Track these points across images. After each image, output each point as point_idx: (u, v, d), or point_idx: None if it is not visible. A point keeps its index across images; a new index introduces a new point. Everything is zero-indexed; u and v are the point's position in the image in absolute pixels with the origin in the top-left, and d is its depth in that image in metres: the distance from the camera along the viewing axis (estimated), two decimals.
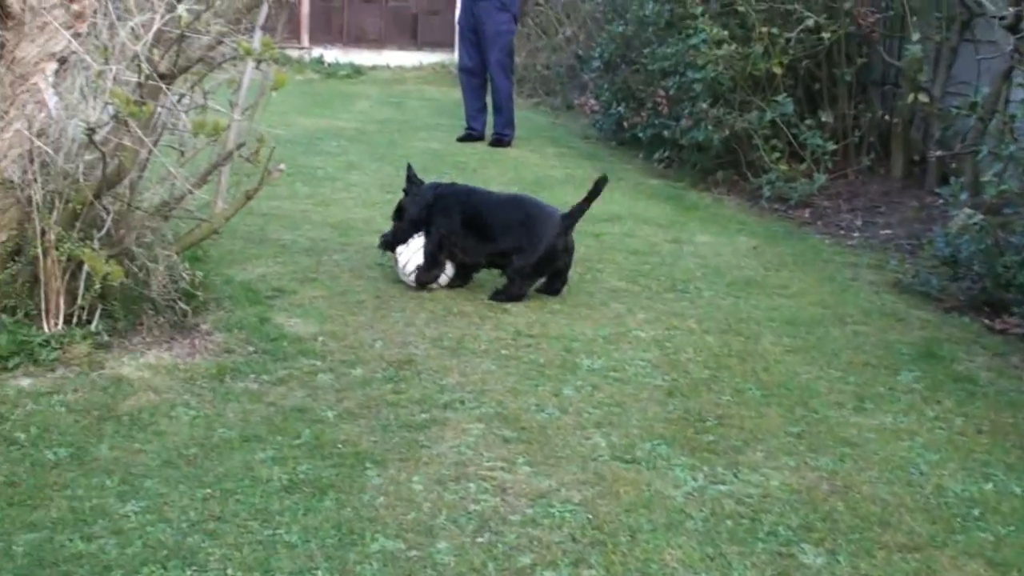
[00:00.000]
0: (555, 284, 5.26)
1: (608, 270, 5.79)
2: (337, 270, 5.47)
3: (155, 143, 4.38)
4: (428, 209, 5.25)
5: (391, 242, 5.36)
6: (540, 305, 5.09)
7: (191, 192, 4.48)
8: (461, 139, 10.08)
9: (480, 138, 10.12)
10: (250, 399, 3.85)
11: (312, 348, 4.36)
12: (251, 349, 4.31)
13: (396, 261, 5.32)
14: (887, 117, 8.10)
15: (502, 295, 5.14)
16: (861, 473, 3.51)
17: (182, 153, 4.61)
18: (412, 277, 5.22)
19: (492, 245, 5.18)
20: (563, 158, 9.30)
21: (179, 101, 4.46)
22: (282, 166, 4.50)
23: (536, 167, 8.74)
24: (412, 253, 5.22)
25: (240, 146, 4.41)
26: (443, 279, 5.28)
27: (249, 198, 4.60)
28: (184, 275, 4.49)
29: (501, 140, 9.92)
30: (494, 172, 8.39)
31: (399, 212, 5.39)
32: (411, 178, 5.39)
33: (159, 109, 4.26)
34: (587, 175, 8.10)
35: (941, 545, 3.09)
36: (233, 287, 5.00)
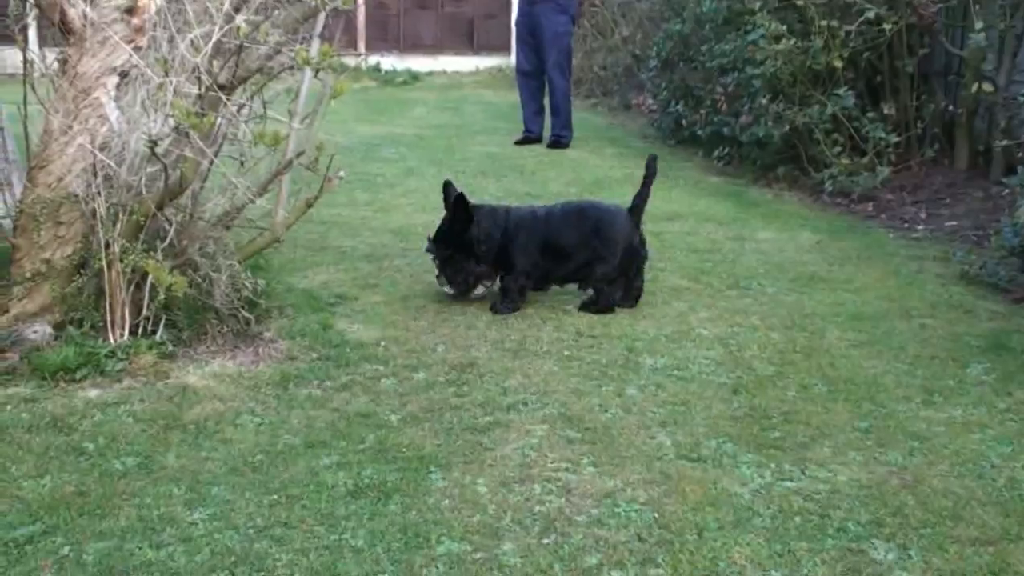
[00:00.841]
0: (634, 286, 5.07)
1: (670, 268, 5.76)
2: (398, 276, 5.50)
3: (216, 154, 4.42)
4: (502, 250, 5.00)
5: (467, 290, 5.11)
6: None
7: (252, 202, 4.52)
8: (519, 142, 10.08)
9: (538, 140, 10.11)
10: (314, 405, 3.87)
11: (375, 353, 4.38)
12: (314, 355, 4.34)
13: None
14: (950, 107, 7.99)
15: (593, 306, 5.00)
16: (931, 467, 3.46)
17: (242, 163, 4.64)
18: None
19: (568, 264, 5.02)
20: (622, 158, 9.28)
21: (239, 111, 4.50)
22: (342, 173, 4.53)
23: (595, 168, 8.72)
24: None
25: (300, 154, 4.43)
26: (480, 290, 5.16)
27: (309, 206, 4.63)
28: (247, 284, 4.52)
29: (559, 142, 9.91)
30: (552, 174, 8.38)
31: (466, 246, 5.00)
32: (463, 205, 4.98)
33: (219, 120, 4.30)
34: None
35: (1015, 538, 3.03)
36: (295, 295, 5.04)
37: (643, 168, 5.08)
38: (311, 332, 4.56)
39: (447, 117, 11.89)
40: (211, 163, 4.39)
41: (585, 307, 5.02)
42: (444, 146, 9.75)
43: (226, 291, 4.40)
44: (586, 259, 4.99)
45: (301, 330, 4.58)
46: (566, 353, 4.44)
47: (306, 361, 4.28)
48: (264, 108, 4.57)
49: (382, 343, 4.50)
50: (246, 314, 4.46)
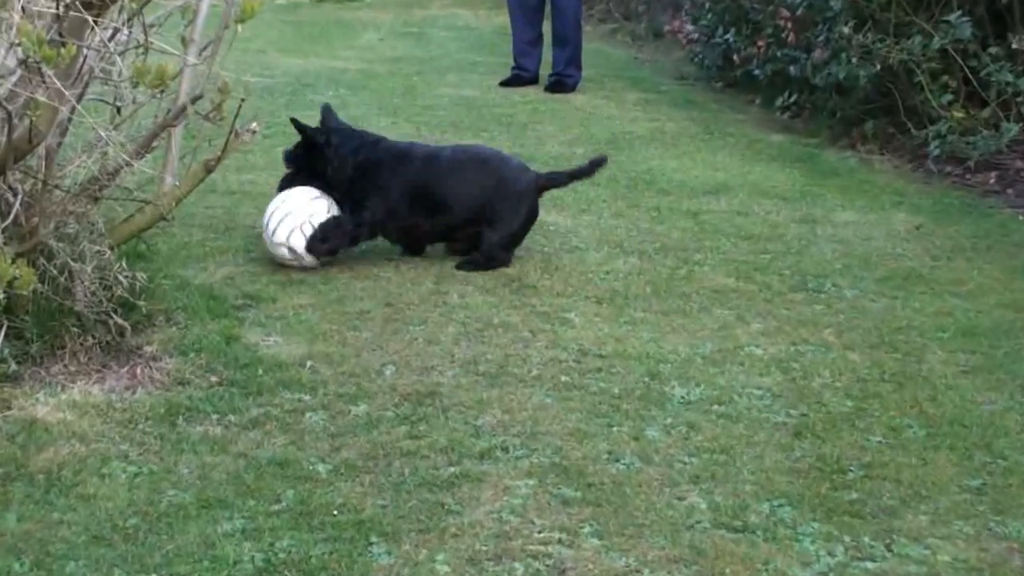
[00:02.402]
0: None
1: (711, 262, 5.77)
2: (333, 268, 5.50)
3: (79, 98, 4.41)
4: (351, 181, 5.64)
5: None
6: (614, 313, 5.08)
7: (129, 164, 4.51)
8: (506, 83, 10.07)
9: (533, 81, 10.10)
10: (212, 449, 3.87)
11: (297, 377, 4.38)
12: (213, 379, 4.34)
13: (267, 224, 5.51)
14: None
15: (472, 265, 5.52)
16: None
17: (118, 110, 4.64)
18: (297, 250, 5.47)
19: (447, 217, 5.59)
20: (649, 107, 9.25)
21: (112, 39, 4.49)
22: (255, 125, 4.53)
23: (611, 120, 8.71)
24: (299, 219, 5.47)
25: (196, 99, 4.43)
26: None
27: (209, 171, 4.63)
28: (122, 278, 4.51)
29: (563, 84, 9.89)
30: (552, 128, 8.38)
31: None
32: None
33: (84, 51, 4.29)
34: (681, 130, 8.08)
35: None
36: (189, 294, 5.03)
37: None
38: (210, 346, 4.56)
39: (407, 47, 11.91)
40: (73, 110, 4.39)
41: (464, 266, 5.53)
42: (401, 87, 9.75)
43: (92, 288, 4.39)
44: (472, 217, 5.55)
45: (196, 343, 4.58)
46: (564, 379, 4.45)
47: (202, 387, 4.28)
48: (147, 35, 4.56)
49: (308, 363, 4.51)
50: (120, 321, 4.45)
